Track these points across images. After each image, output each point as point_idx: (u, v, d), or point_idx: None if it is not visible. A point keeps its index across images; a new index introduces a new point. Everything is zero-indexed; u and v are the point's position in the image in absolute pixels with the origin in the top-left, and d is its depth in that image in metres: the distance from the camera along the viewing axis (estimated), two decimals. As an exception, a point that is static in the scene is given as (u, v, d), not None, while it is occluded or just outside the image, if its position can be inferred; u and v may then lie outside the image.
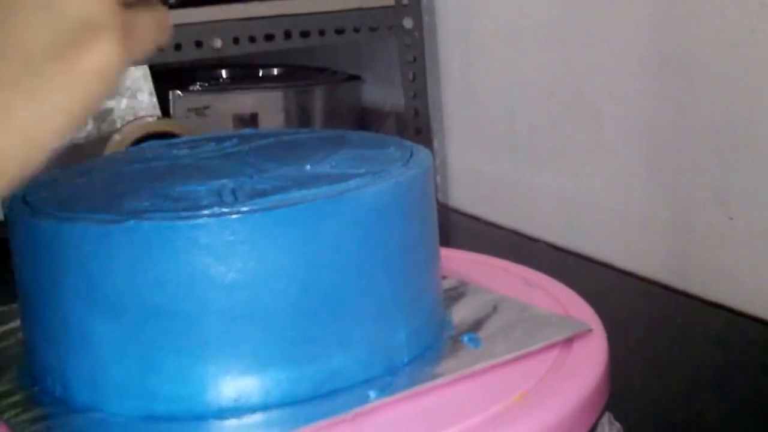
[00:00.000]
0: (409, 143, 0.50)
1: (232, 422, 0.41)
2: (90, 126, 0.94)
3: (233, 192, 0.44)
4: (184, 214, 0.41)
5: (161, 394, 0.41)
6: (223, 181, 0.45)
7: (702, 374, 0.59)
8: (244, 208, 0.41)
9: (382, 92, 1.09)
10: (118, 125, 0.95)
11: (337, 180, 0.43)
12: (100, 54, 0.30)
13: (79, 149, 0.93)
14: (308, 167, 0.47)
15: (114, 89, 0.31)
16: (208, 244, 0.40)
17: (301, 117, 1.08)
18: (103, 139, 0.93)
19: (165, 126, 0.93)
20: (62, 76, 0.30)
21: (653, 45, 0.72)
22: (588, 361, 0.45)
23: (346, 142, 0.52)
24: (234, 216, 0.40)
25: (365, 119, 1.13)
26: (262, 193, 0.43)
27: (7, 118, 0.29)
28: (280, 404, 0.41)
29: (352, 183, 0.43)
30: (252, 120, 1.04)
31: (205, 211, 0.41)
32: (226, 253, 0.40)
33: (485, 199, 0.96)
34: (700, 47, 0.68)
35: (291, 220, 0.41)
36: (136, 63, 0.34)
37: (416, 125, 1.02)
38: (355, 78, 1.12)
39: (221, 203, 0.42)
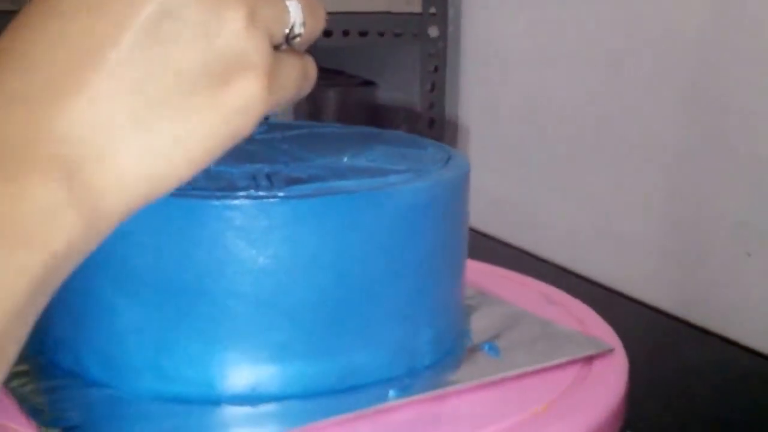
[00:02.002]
0: (446, 146, 0.50)
1: (247, 410, 0.40)
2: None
3: (269, 177, 0.43)
4: (219, 193, 0.40)
5: (177, 376, 0.40)
6: (258, 165, 0.44)
7: (707, 409, 0.58)
8: (281, 194, 0.40)
9: (396, 100, 1.09)
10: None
11: (376, 174, 0.43)
12: (246, 91, 0.29)
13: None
14: (345, 159, 0.46)
15: (252, 130, 0.31)
16: (243, 226, 0.39)
17: (310, 117, 1.07)
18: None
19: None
20: (207, 106, 0.29)
21: (690, 76, 0.72)
22: (609, 380, 0.44)
23: (381, 138, 0.51)
24: (272, 200, 0.40)
25: (377, 125, 1.12)
26: (299, 181, 0.42)
27: (147, 135, 0.28)
28: (297, 396, 0.41)
29: (392, 178, 0.42)
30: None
31: (242, 193, 0.40)
32: (259, 237, 0.40)
33: (497, 217, 0.96)
34: (738, 83, 0.68)
35: (329, 209, 0.40)
36: (279, 108, 0.33)
37: (429, 136, 1.01)
38: (370, 83, 1.11)
39: (257, 187, 0.41)
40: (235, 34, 0.29)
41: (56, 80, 0.27)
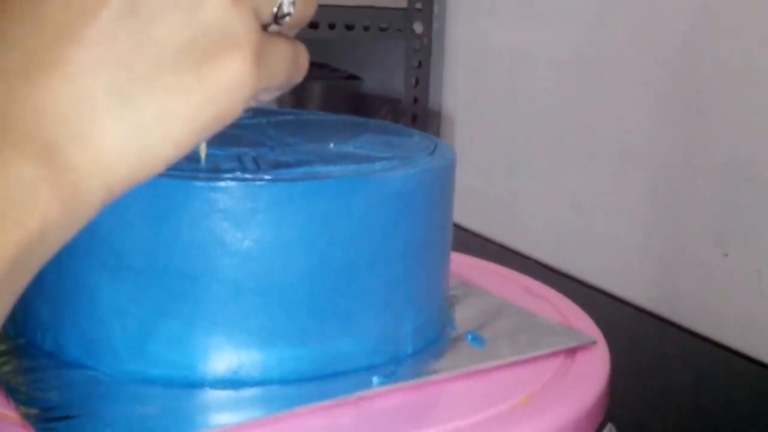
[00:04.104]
0: (432, 136, 0.50)
1: (229, 393, 0.40)
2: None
3: (255, 160, 0.42)
4: (204, 175, 0.40)
5: (159, 358, 0.40)
6: (244, 148, 0.44)
7: (685, 403, 0.59)
8: (268, 177, 0.40)
9: (380, 94, 1.09)
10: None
11: (363, 160, 0.43)
12: (233, 70, 0.28)
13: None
14: (332, 146, 0.46)
15: (240, 112, 0.29)
16: (228, 208, 0.39)
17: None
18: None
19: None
20: (191, 84, 0.28)
21: (672, 80, 0.73)
22: (592, 372, 0.44)
23: (368, 127, 0.51)
24: (257, 183, 0.39)
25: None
26: (286, 165, 0.42)
27: (129, 112, 0.27)
28: (280, 381, 0.40)
29: (379, 165, 0.42)
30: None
31: (228, 175, 0.40)
32: (244, 220, 0.39)
33: (479, 213, 0.96)
34: (719, 87, 0.69)
35: (316, 194, 0.40)
36: (271, 96, 0.32)
37: (412, 131, 1.01)
38: (355, 77, 1.11)
39: (243, 169, 0.41)
40: (220, 9, 0.28)
41: (35, 56, 0.26)
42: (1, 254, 0.25)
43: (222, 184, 0.39)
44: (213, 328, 0.40)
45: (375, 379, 0.41)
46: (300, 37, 0.33)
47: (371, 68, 1.12)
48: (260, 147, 0.45)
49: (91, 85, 0.27)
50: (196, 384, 0.40)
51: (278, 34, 0.31)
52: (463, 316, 0.49)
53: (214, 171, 0.40)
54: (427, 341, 0.45)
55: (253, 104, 0.31)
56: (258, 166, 0.41)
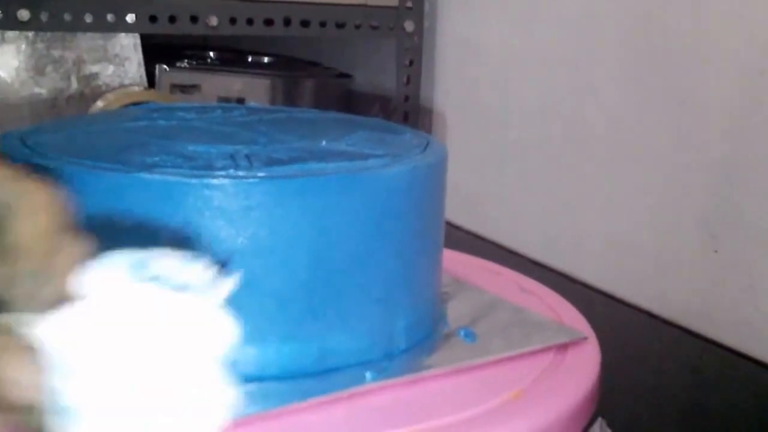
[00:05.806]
0: (424, 133, 0.50)
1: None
2: (74, 87, 0.92)
3: (248, 157, 0.43)
4: (198, 172, 0.40)
5: (152, 355, 0.40)
6: (237, 146, 0.44)
7: (678, 400, 0.59)
8: (261, 174, 0.40)
9: (371, 92, 1.09)
10: (103, 91, 0.93)
11: (355, 157, 0.43)
12: None
13: (57, 108, 0.91)
14: (324, 143, 0.46)
15: None
16: (222, 205, 0.39)
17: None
18: (84, 100, 0.91)
19: (151, 97, 0.91)
20: None
21: (662, 75, 0.73)
22: (583, 367, 0.45)
23: (359, 124, 0.51)
24: (251, 180, 0.40)
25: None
26: (279, 162, 0.42)
27: None
28: (275, 377, 0.40)
29: (371, 162, 0.42)
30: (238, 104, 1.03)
31: (221, 172, 0.40)
32: (238, 217, 0.39)
33: (471, 211, 0.96)
34: (710, 82, 0.70)
35: (309, 191, 0.40)
36: None
37: (403, 129, 1.01)
38: (346, 75, 1.11)
39: (236, 166, 0.41)
40: None
41: None
42: None
43: (215, 181, 0.39)
44: (207, 324, 0.40)
45: (368, 375, 0.41)
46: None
47: (363, 66, 1.12)
48: (253, 144, 0.45)
49: None
50: (190, 380, 0.40)
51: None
52: (456, 312, 0.49)
53: (208, 168, 0.40)
54: (420, 337, 0.45)
55: None
56: (251, 164, 0.41)
